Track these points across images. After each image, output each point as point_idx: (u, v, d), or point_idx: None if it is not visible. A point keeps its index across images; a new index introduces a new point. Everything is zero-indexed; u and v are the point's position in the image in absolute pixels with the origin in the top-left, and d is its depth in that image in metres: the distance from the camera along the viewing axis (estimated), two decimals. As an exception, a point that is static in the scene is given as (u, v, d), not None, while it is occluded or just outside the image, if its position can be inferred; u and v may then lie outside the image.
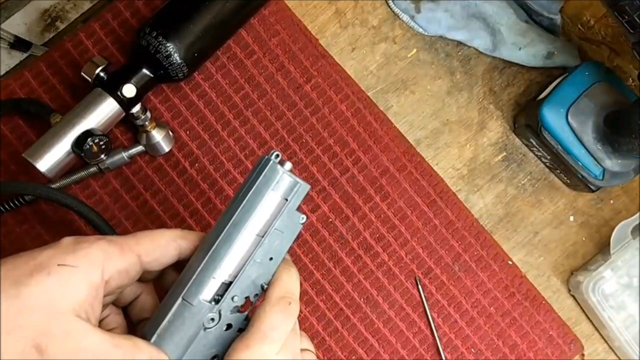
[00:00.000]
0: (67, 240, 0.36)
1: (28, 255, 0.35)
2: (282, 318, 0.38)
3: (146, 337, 0.37)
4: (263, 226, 0.39)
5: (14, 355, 0.32)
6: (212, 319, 0.38)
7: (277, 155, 0.39)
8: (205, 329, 0.38)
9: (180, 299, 0.37)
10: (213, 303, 0.38)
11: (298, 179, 0.40)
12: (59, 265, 0.34)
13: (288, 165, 0.40)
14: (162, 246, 0.39)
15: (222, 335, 0.38)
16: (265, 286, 0.39)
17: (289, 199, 0.39)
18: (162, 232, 0.40)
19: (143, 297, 0.41)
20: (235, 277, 0.38)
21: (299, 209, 0.40)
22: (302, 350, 0.41)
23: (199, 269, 0.37)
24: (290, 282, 0.40)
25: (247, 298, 0.39)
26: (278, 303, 0.38)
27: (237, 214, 0.38)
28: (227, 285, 0.38)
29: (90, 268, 0.35)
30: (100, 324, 0.39)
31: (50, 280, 0.33)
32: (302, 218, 0.40)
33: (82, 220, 0.59)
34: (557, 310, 0.64)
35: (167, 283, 0.41)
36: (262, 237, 0.39)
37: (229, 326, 0.39)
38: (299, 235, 0.41)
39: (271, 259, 0.39)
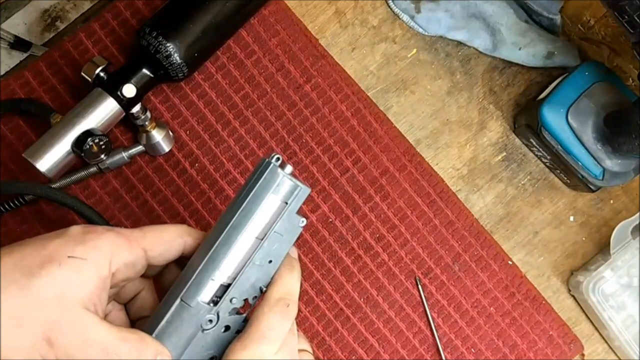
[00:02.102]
0: (76, 230, 0.36)
1: (37, 244, 0.34)
2: (280, 319, 0.38)
3: None
4: (263, 229, 0.39)
5: (25, 348, 0.32)
6: (210, 321, 0.38)
7: (278, 159, 0.39)
8: (203, 330, 0.38)
9: (178, 300, 0.37)
10: (211, 305, 0.38)
11: (298, 182, 0.39)
12: (69, 257, 0.34)
13: (289, 168, 0.39)
14: (167, 241, 0.39)
15: (220, 337, 0.38)
16: (264, 289, 0.39)
17: (289, 202, 0.39)
18: (168, 227, 0.40)
19: (143, 294, 0.41)
20: (234, 279, 0.38)
21: (299, 211, 0.40)
22: (299, 350, 0.41)
23: (198, 270, 0.37)
24: (290, 283, 0.40)
25: (245, 300, 0.39)
26: (277, 304, 0.38)
27: (236, 216, 0.38)
28: (225, 287, 0.38)
29: (99, 260, 0.35)
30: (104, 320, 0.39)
31: (61, 272, 0.33)
32: (302, 221, 0.40)
33: (82, 220, 0.59)
34: (557, 310, 0.64)
35: (168, 279, 0.41)
36: (262, 240, 0.39)
37: (227, 328, 0.39)
38: (299, 238, 0.41)
39: (270, 261, 0.39)
